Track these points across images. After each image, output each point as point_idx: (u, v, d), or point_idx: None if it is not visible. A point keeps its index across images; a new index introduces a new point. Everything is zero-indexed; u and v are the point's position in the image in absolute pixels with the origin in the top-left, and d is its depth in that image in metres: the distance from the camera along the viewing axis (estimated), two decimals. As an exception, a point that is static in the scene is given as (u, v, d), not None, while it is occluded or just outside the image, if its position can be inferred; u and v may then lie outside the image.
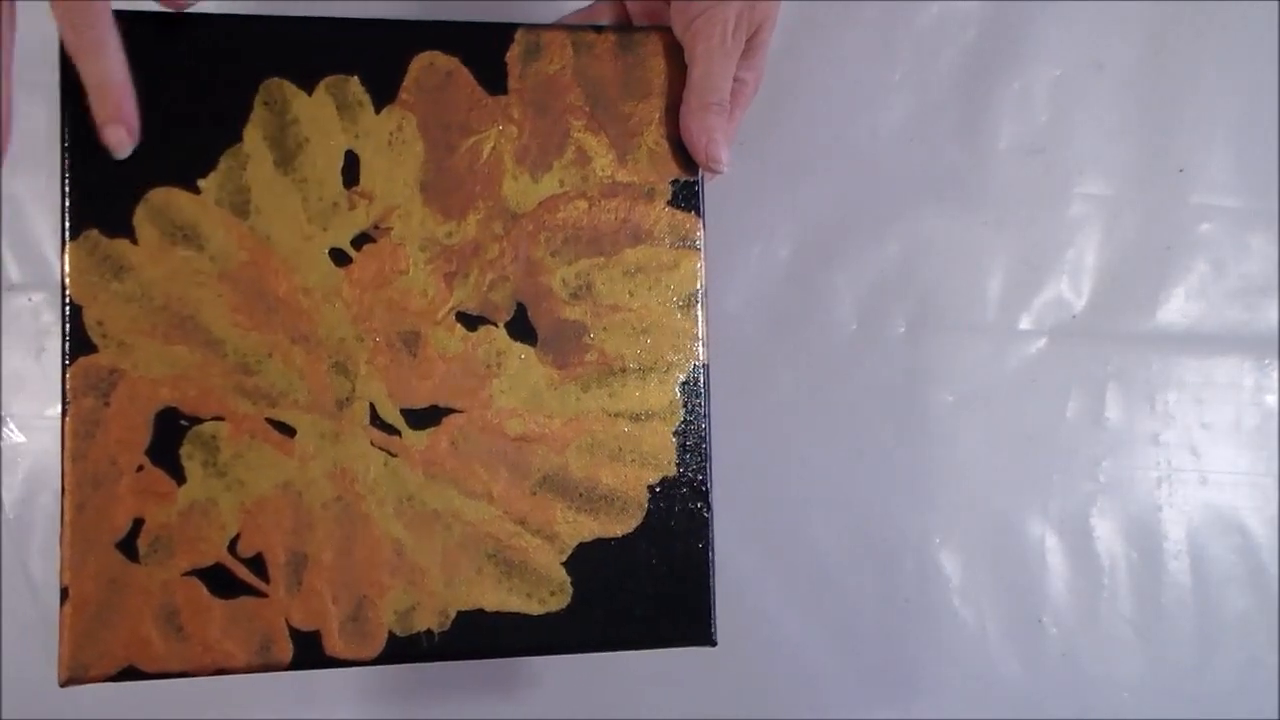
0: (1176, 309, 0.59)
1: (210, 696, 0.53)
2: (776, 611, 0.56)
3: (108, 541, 0.36)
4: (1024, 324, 0.58)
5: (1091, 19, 0.59)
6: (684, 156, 0.40)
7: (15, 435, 0.52)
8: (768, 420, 0.57)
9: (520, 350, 0.39)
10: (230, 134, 0.37)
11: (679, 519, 0.40)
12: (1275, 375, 0.60)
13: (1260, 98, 0.60)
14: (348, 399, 0.38)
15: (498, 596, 0.38)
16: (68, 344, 0.36)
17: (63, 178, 0.36)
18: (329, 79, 0.38)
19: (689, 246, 0.40)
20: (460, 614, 0.38)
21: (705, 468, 0.40)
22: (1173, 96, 0.60)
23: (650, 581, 0.39)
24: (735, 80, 0.40)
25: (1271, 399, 0.60)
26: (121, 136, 0.36)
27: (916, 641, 0.57)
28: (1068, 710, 0.58)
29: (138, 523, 0.36)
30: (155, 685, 0.52)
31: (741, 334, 0.56)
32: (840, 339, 0.57)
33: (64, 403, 0.36)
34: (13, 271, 0.52)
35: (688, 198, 0.40)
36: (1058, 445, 0.58)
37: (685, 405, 0.40)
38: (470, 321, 0.39)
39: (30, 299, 0.52)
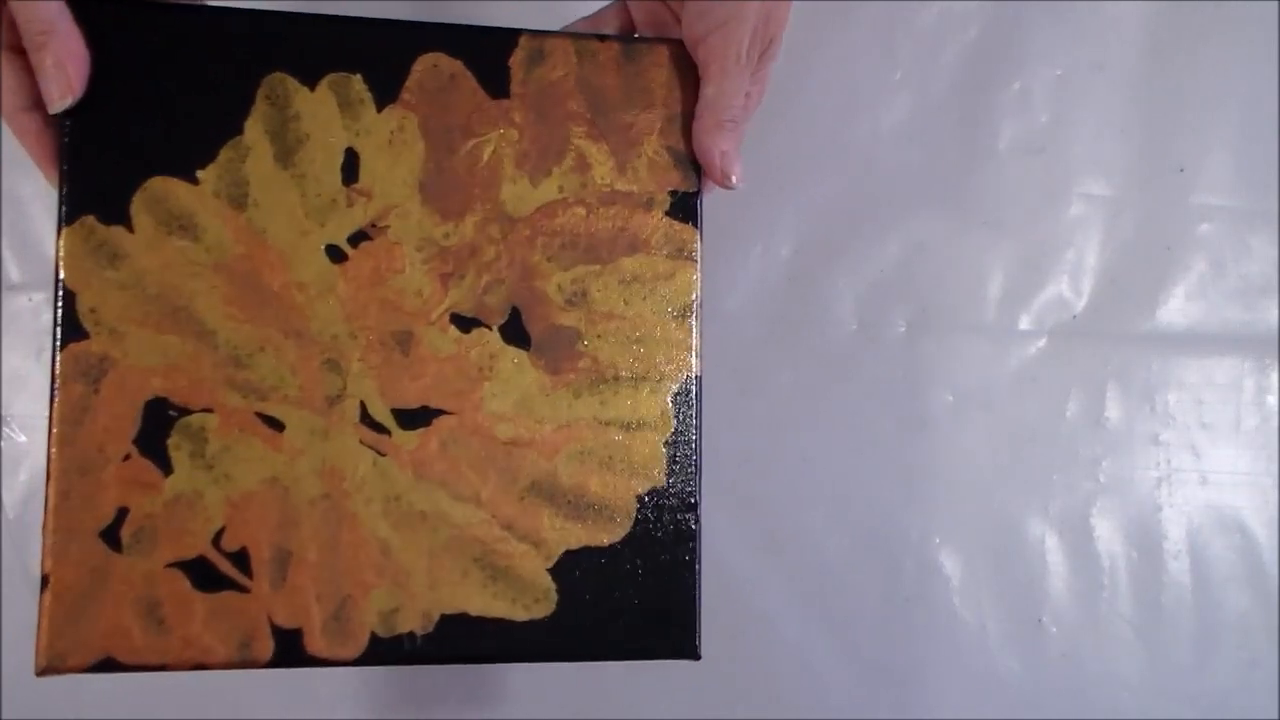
0: (1176, 309, 0.59)
1: (209, 696, 0.53)
2: (777, 611, 0.56)
3: (91, 530, 0.36)
4: (1024, 324, 0.58)
5: (1092, 19, 0.59)
6: (684, 168, 0.40)
7: (16, 435, 0.52)
8: (768, 420, 0.57)
9: (513, 354, 0.38)
10: (231, 127, 0.37)
11: (667, 530, 0.39)
12: (1275, 375, 0.60)
13: (1260, 98, 0.60)
14: (338, 396, 0.37)
15: (482, 601, 0.38)
16: (59, 329, 0.36)
17: (61, 163, 0.36)
18: (332, 76, 0.38)
19: (686, 258, 0.40)
20: (444, 617, 0.37)
21: (695, 480, 0.39)
22: (1173, 96, 0.60)
23: (636, 592, 0.39)
24: None
25: (1271, 399, 0.60)
26: (63, 86, 0.35)
27: (916, 641, 0.57)
28: (1068, 710, 0.58)
29: (122, 512, 0.36)
30: (154, 684, 0.52)
31: (742, 334, 0.56)
32: (840, 339, 0.57)
33: (53, 388, 0.36)
34: (13, 271, 0.53)
35: (686, 209, 0.40)
36: (1058, 445, 0.58)
37: (677, 416, 0.39)
38: (464, 323, 0.38)
39: (30, 299, 0.52)
